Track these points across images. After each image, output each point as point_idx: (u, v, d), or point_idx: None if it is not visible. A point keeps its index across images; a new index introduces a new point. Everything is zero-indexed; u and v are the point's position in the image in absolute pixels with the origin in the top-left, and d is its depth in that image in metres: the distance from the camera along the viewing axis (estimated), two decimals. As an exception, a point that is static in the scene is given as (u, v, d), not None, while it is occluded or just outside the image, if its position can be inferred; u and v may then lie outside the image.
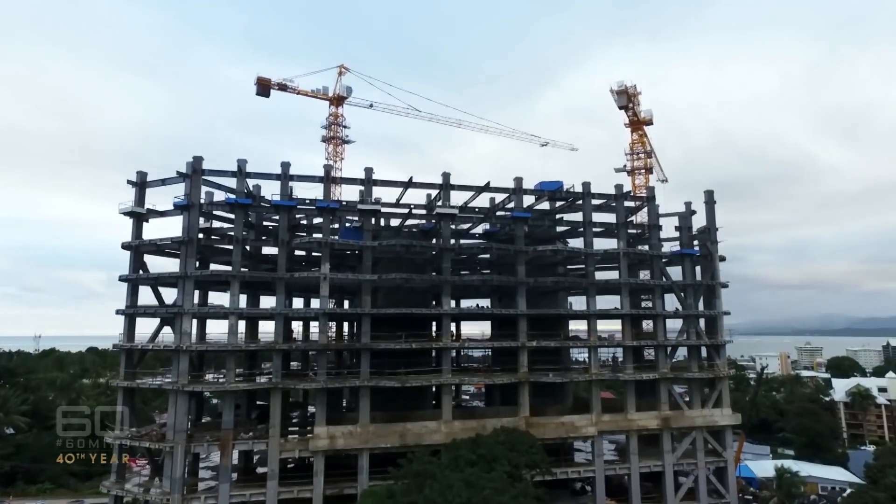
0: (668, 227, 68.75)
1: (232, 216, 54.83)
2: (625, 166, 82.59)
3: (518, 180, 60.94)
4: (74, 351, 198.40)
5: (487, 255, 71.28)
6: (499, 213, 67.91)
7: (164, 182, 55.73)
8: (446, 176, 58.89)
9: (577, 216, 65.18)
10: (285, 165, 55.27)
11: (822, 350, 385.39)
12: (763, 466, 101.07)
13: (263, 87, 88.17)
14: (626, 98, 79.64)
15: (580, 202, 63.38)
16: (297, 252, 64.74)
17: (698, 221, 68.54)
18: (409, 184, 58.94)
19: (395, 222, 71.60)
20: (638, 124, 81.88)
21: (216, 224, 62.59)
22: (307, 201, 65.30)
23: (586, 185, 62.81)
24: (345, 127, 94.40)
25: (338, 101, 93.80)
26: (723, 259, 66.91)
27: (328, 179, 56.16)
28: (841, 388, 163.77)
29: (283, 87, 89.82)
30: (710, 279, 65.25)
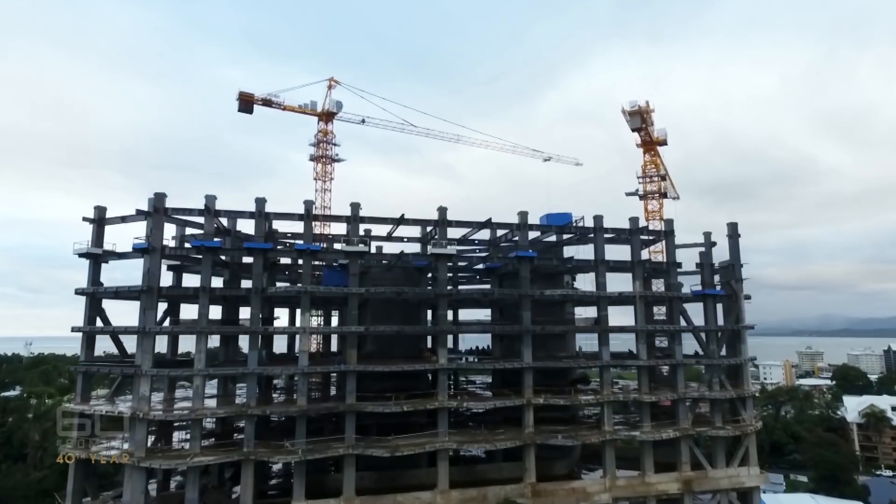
0: (685, 259, 62.61)
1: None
2: (637, 191, 76.24)
3: (522, 215, 54.68)
4: (70, 354, 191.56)
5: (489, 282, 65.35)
6: (502, 243, 62.02)
7: (123, 220, 49.47)
8: (442, 211, 52.57)
9: (588, 249, 59.08)
10: (260, 202, 48.89)
11: (823, 354, 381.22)
12: (779, 501, 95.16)
13: (246, 103, 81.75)
14: (640, 119, 73.24)
15: (591, 234, 57.22)
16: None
17: (720, 254, 62.44)
18: (400, 220, 52.62)
19: (387, 249, 65.56)
20: (651, 145, 75.54)
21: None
22: (288, 235, 59.20)
23: (598, 219, 56.57)
24: (334, 144, 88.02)
25: (327, 116, 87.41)
26: (748, 298, 60.71)
27: (309, 217, 49.76)
28: (853, 406, 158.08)
29: (267, 103, 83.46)
30: (735, 322, 59.02)
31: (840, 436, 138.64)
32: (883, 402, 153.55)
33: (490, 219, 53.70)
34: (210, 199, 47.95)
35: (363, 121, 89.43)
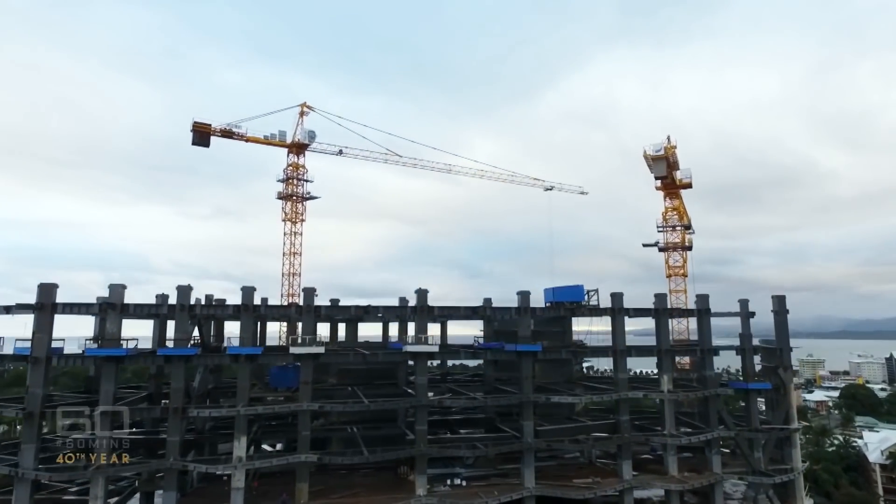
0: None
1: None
2: (657, 243, 64.87)
3: (524, 296, 43.54)
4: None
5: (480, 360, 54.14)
6: (497, 324, 50.74)
7: (7, 311, 38.05)
8: (422, 295, 41.39)
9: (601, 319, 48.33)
10: (184, 292, 37.55)
11: (825, 362, 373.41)
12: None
13: (201, 135, 70.26)
14: (666, 165, 61.51)
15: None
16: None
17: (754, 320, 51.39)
18: (366, 309, 41.43)
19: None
20: (674, 188, 64.12)
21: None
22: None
23: (616, 297, 45.56)
24: (306, 181, 76.64)
25: (298, 148, 76.07)
26: (798, 387, 49.72)
27: (249, 311, 38.39)
28: (874, 444, 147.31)
29: (227, 134, 72.06)
30: (784, 421, 48.02)
31: (861, 474, 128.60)
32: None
33: (486, 301, 42.59)
34: (116, 290, 36.58)
35: (340, 152, 78.19)
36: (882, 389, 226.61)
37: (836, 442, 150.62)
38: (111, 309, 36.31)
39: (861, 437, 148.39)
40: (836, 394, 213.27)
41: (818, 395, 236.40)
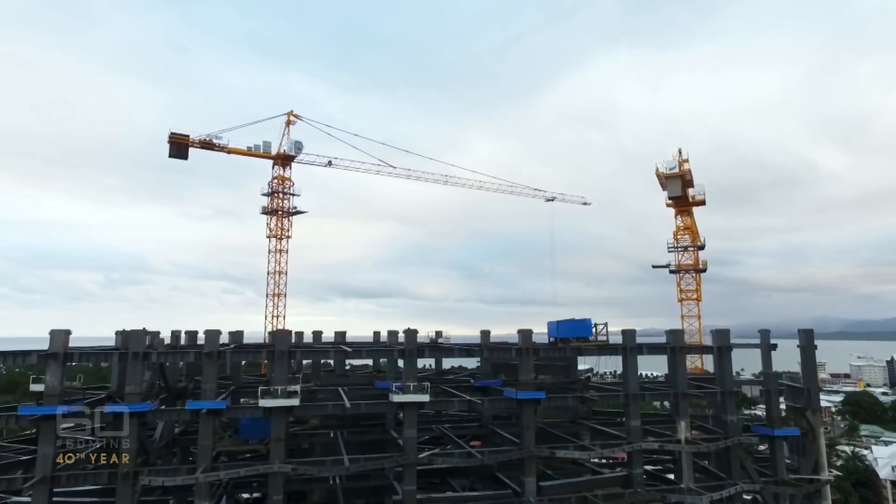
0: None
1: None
2: (668, 264, 60.09)
3: (525, 335, 38.92)
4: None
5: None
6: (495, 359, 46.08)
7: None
8: (410, 336, 36.76)
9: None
10: (137, 338, 32.87)
11: (826, 365, 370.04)
12: None
13: (178, 147, 65.47)
14: (681, 184, 56.61)
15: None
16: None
17: (778, 357, 46.91)
18: (346, 353, 36.75)
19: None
20: (686, 206, 59.36)
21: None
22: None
23: (629, 335, 40.92)
24: (293, 194, 71.94)
25: (284, 160, 71.34)
26: (828, 431, 45.15)
27: (213, 358, 33.70)
28: (885, 459, 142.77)
29: (207, 145, 67.32)
30: (814, 471, 43.37)
31: (871, 490, 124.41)
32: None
33: (487, 334, 37.98)
34: (58, 337, 31.89)
35: (329, 163, 73.56)
36: (884, 394, 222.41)
37: (842, 455, 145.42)
38: (52, 359, 31.60)
39: (868, 449, 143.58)
40: (838, 398, 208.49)
41: (822, 402, 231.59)
